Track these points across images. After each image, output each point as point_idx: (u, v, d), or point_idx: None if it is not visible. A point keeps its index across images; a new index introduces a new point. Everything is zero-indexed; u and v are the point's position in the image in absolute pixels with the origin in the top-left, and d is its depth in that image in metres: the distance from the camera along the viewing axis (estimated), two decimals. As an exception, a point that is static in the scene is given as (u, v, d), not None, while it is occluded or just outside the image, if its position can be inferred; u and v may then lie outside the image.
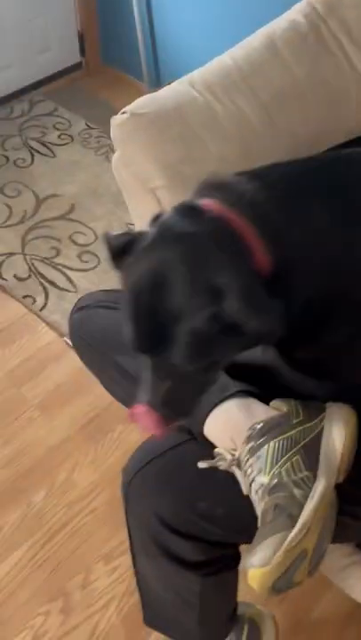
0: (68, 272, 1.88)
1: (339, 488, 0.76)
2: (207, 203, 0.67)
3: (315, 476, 0.71)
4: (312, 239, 0.67)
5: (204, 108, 1.10)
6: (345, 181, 0.73)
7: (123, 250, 0.68)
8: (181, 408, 0.70)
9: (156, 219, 0.70)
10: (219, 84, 1.12)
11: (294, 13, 1.22)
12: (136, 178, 1.12)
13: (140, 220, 1.28)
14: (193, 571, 0.86)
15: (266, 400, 0.80)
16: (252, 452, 0.73)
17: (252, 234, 0.64)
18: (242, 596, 1.02)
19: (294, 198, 0.69)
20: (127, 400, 0.97)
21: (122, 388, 0.94)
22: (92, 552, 1.35)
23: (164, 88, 1.16)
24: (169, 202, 1.10)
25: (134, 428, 1.54)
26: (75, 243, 1.96)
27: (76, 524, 1.39)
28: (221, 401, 0.79)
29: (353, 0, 1.21)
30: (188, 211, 0.67)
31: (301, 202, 0.69)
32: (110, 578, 1.31)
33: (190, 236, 0.63)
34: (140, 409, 0.68)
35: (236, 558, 0.92)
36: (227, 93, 1.11)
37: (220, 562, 0.88)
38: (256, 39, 1.19)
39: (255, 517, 0.74)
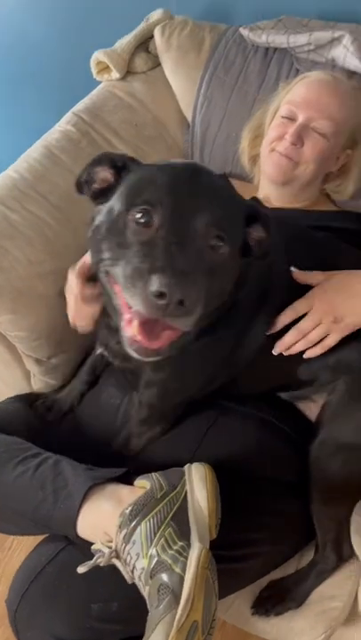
0: None
1: (216, 540, 0.79)
2: None
3: (189, 545, 0.73)
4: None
5: (1, 220, 1.14)
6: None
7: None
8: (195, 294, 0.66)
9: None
10: (9, 197, 1.17)
11: (64, 124, 1.34)
12: None
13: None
14: None
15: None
16: (127, 538, 0.74)
17: None
18: None
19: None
20: None
21: None
22: None
23: None
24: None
25: (15, 549, 1.44)
26: None
27: None
28: (85, 498, 0.80)
29: (111, 107, 1.38)
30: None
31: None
32: None
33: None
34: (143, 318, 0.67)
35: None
36: (19, 203, 1.17)
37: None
38: (35, 151, 1.28)
39: (149, 600, 0.73)
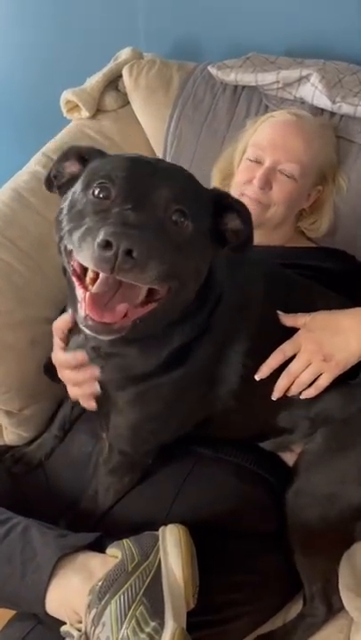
0: None
1: (198, 606, 0.76)
2: None
3: (162, 624, 0.69)
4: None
5: (-33, 269, 1.11)
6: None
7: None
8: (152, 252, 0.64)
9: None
10: (-24, 243, 1.14)
11: (33, 165, 1.32)
12: None
13: None
14: None
15: None
16: (97, 619, 0.69)
17: None
18: None
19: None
20: None
21: None
22: None
23: None
24: None
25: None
26: None
27: None
28: (53, 571, 0.75)
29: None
30: None
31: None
32: None
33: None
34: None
35: None
36: (-14, 249, 1.14)
37: None
38: (3, 194, 1.25)
39: None
